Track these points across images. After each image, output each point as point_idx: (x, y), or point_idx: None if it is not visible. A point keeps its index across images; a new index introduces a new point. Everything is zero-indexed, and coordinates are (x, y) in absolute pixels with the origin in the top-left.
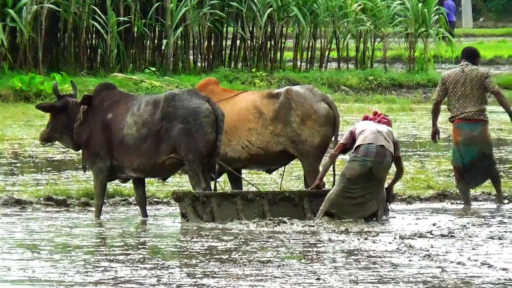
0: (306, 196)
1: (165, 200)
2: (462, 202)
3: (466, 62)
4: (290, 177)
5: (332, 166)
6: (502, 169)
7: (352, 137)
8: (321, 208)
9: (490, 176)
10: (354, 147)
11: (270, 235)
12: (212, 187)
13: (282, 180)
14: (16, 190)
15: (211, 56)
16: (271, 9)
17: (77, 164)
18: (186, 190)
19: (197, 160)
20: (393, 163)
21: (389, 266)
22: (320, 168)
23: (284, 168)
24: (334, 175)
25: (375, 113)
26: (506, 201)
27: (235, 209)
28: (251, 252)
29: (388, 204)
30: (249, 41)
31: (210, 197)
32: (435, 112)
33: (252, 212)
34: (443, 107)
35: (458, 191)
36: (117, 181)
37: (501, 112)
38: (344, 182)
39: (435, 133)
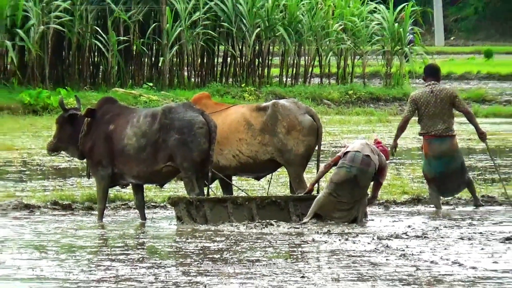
0: (291, 200)
1: (162, 204)
2: (434, 207)
3: (432, 81)
4: (277, 183)
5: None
6: (472, 175)
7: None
8: (310, 209)
9: (465, 185)
10: (343, 154)
11: (259, 236)
12: (205, 193)
13: (269, 186)
14: (25, 195)
15: (204, 72)
16: (259, 29)
17: (81, 172)
18: (181, 195)
19: (191, 167)
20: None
21: (368, 265)
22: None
23: (271, 175)
24: (318, 183)
25: (375, 140)
26: (483, 203)
27: (226, 212)
28: (241, 252)
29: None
30: (238, 59)
31: (203, 202)
32: (402, 129)
33: (242, 215)
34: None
35: (427, 195)
36: (118, 187)
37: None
38: (331, 187)
39: (394, 148)
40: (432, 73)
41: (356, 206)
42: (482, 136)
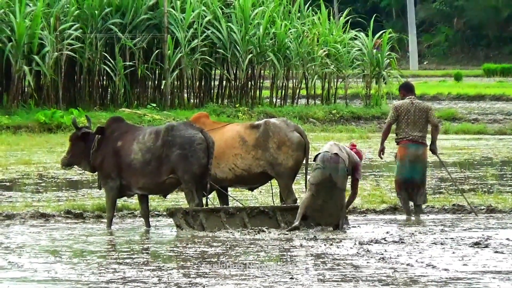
0: (278, 210)
1: (164, 213)
2: (404, 212)
3: (412, 96)
4: (269, 194)
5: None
6: (443, 186)
7: None
8: (298, 212)
9: (414, 201)
10: (314, 157)
11: (252, 242)
12: (204, 203)
13: (272, 197)
14: (41, 205)
15: (201, 94)
16: (251, 55)
17: (91, 184)
18: (178, 207)
19: (191, 180)
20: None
21: (351, 267)
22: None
23: (272, 187)
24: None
25: (351, 143)
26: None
27: (220, 221)
28: (236, 256)
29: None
30: (233, 82)
31: (198, 212)
32: (386, 133)
33: (235, 223)
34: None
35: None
36: (125, 198)
37: (442, 139)
38: (311, 189)
39: (382, 150)
40: (410, 89)
41: (336, 210)
42: (434, 149)
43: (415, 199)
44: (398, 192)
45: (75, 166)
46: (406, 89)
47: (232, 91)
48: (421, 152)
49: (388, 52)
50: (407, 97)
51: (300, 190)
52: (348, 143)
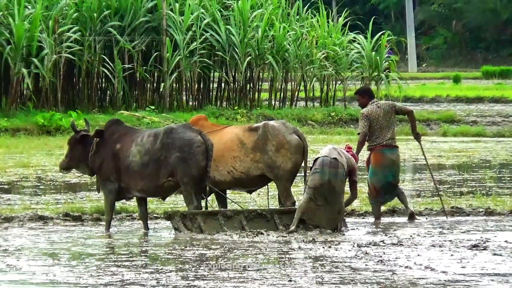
0: (276, 213)
1: (163, 215)
2: (374, 216)
3: (375, 100)
4: (267, 196)
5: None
6: (442, 188)
7: None
8: (295, 217)
9: (397, 195)
10: (313, 161)
11: (250, 244)
12: (203, 205)
13: (268, 201)
14: (39, 208)
15: (200, 97)
16: (250, 57)
17: (89, 186)
18: (175, 210)
19: (190, 182)
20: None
21: (349, 269)
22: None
23: (268, 189)
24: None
25: (346, 145)
26: (413, 210)
27: (218, 224)
28: (234, 258)
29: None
30: (232, 84)
31: (196, 215)
32: (363, 143)
33: (233, 226)
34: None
35: (403, 207)
36: (123, 200)
37: (440, 142)
38: (309, 192)
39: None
40: (372, 95)
41: (334, 214)
42: (417, 136)
43: (394, 196)
44: (373, 197)
45: (73, 169)
46: (370, 94)
47: (230, 94)
48: (395, 156)
49: (387, 55)
50: (372, 102)
51: (299, 192)
52: (343, 145)
